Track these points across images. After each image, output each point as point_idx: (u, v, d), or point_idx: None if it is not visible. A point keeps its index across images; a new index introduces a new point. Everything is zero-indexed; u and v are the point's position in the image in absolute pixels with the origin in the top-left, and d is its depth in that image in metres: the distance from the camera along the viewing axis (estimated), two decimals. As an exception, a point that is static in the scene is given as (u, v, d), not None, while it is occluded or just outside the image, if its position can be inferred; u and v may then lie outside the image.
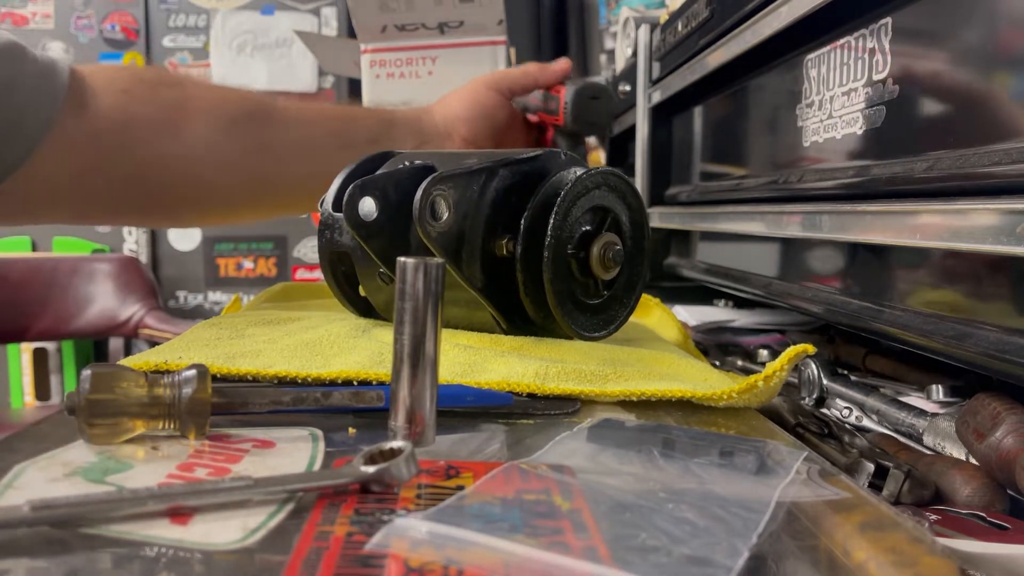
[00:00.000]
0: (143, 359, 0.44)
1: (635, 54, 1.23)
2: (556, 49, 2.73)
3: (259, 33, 2.66)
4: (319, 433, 0.36)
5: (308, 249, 2.75)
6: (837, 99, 0.63)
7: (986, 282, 0.48)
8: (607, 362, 0.47)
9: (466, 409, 0.40)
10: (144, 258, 2.66)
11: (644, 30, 1.15)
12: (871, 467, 0.43)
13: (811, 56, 0.68)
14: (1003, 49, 0.46)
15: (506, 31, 0.97)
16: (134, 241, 2.67)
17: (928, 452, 0.50)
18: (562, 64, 0.85)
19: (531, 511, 0.26)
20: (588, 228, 0.53)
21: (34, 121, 0.61)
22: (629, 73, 1.30)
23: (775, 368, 0.43)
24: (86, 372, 0.33)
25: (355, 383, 0.42)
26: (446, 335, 0.51)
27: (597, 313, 0.55)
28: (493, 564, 0.23)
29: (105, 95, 0.66)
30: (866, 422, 0.58)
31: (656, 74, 1.13)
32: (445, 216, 0.49)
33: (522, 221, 0.51)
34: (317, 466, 0.32)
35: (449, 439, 0.36)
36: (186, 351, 0.47)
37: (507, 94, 0.84)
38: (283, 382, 0.42)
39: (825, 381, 0.64)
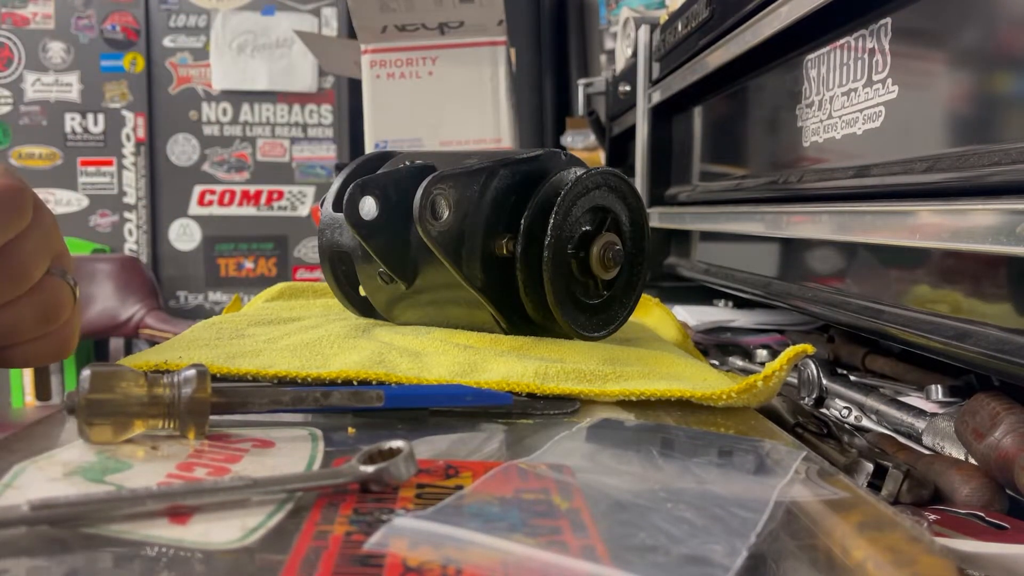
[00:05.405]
0: (143, 359, 0.44)
1: (635, 54, 1.23)
2: (556, 49, 2.73)
3: (259, 33, 2.66)
4: (319, 433, 0.36)
5: (308, 249, 2.75)
6: (837, 99, 0.63)
7: (986, 282, 0.48)
8: (607, 362, 0.47)
9: (465, 409, 0.40)
10: (145, 258, 2.66)
11: (644, 30, 1.15)
12: (870, 467, 0.43)
13: (811, 56, 0.68)
14: (1003, 49, 0.46)
15: (506, 31, 0.97)
16: (134, 241, 2.67)
17: (927, 452, 0.50)
18: None
19: (530, 510, 0.26)
20: (588, 228, 0.53)
21: None
22: (629, 73, 1.30)
23: (774, 368, 0.43)
24: (86, 372, 0.33)
25: (355, 383, 0.42)
26: (446, 335, 0.52)
27: (597, 313, 0.55)
28: (491, 563, 0.23)
29: None
30: (865, 422, 0.58)
31: (656, 74, 1.13)
32: (445, 215, 0.49)
33: (522, 221, 0.51)
34: (316, 466, 0.32)
35: (448, 439, 0.36)
36: (186, 351, 0.47)
37: None
38: (283, 382, 0.42)
39: (824, 381, 0.64)
